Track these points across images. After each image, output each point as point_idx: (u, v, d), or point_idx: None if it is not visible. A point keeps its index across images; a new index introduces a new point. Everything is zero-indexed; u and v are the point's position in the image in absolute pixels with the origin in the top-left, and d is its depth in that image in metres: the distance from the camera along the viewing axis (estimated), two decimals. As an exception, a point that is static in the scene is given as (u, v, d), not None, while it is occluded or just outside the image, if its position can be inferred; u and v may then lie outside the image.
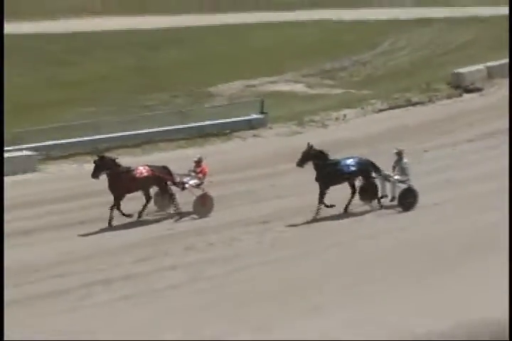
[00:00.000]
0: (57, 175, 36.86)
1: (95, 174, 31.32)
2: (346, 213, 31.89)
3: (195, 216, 31.92)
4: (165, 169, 32.44)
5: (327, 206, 31.62)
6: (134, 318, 24.99)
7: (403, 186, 31.93)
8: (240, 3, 63.15)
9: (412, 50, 55.70)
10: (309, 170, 31.90)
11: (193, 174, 32.37)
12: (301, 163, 31.52)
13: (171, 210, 32.36)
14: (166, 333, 23.59)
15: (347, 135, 41.11)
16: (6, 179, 35.55)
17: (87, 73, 49.24)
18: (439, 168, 36.27)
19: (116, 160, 32.04)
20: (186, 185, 32.21)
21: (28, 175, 36.89)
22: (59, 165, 38.36)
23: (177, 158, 37.88)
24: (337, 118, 43.84)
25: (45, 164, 38.17)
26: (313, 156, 31.65)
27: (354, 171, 31.92)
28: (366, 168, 32.08)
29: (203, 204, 32.07)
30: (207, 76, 48.11)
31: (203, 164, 32.48)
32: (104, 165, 31.54)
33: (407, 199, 31.87)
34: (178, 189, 32.28)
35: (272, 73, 49.62)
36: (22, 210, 32.36)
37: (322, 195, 31.42)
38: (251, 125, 42.26)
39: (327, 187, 31.62)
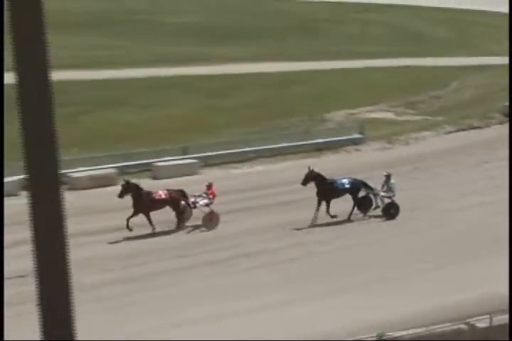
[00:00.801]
0: (208, 177, 36.69)
1: (121, 195, 30.29)
2: (349, 220, 31.39)
3: (203, 228, 30.71)
4: (181, 192, 31.03)
5: (332, 216, 31.04)
6: (268, 279, 25.98)
7: (388, 200, 31.49)
8: (340, 53, 63.28)
9: (474, 88, 55.61)
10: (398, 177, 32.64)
11: (204, 195, 31.09)
12: (304, 182, 31.22)
13: (179, 224, 30.83)
14: (294, 293, 24.60)
15: (425, 150, 41.65)
16: (171, 181, 36.16)
17: (238, 103, 49.87)
18: (495, 175, 36.58)
19: (140, 185, 30.89)
20: (197, 205, 30.84)
21: (192, 177, 37.17)
22: (213, 170, 38.64)
23: (299, 166, 38.31)
24: (417, 138, 44.35)
25: (204, 169, 38.60)
26: (313, 177, 31.34)
27: (347, 188, 31.26)
28: (358, 187, 31.41)
29: (210, 220, 30.76)
30: (322, 106, 48.63)
31: (213, 188, 31.27)
32: (128, 189, 30.41)
33: (390, 211, 31.45)
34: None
35: (368, 104, 50.15)
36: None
37: (326, 206, 30.82)
38: (353, 142, 42.78)
39: (326, 201, 30.95)
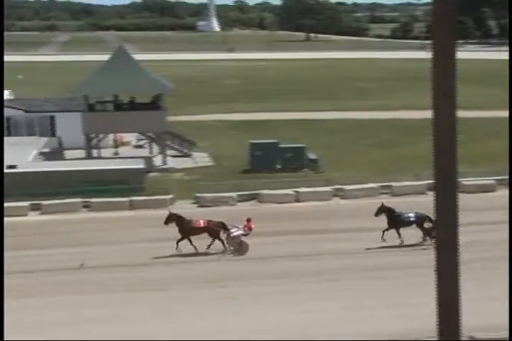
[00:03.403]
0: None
1: (166, 222, 26.54)
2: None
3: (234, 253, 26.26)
4: (219, 223, 26.54)
5: (401, 241, 26.78)
6: None
7: None
8: None
9: None
10: None
11: (240, 227, 26.40)
12: (377, 213, 27.35)
13: (224, 247, 26.32)
14: None
15: None
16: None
17: None
18: None
19: (182, 215, 26.79)
20: (231, 235, 26.21)
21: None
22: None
23: None
24: None
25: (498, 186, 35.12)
26: (384, 210, 27.43)
27: (412, 221, 27.10)
28: (421, 220, 26.85)
29: (241, 246, 26.22)
30: None
31: (251, 222, 26.55)
32: (171, 218, 26.56)
33: None
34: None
35: None
36: None
37: (385, 230, 26.75)
38: None
39: (395, 229, 26.95)
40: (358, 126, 51.43)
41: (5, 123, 44.65)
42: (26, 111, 45.05)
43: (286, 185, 34.48)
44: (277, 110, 57.94)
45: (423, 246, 26.46)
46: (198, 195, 33.52)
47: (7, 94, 50.74)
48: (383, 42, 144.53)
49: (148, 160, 39.78)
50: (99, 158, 41.50)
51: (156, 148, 43.65)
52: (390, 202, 32.13)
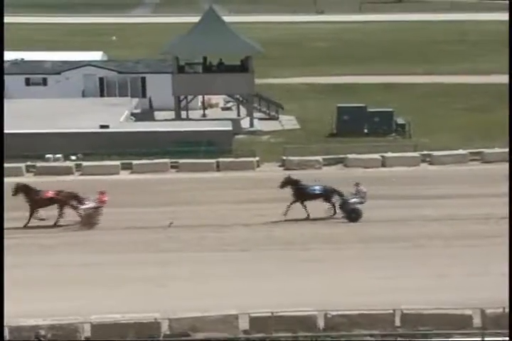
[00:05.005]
0: None
1: (14, 193, 25.36)
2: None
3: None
4: (70, 193, 25.51)
5: (308, 214, 26.01)
6: None
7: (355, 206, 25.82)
8: None
9: None
10: None
11: (92, 199, 25.30)
12: (282, 186, 26.35)
13: (57, 221, 25.36)
14: None
15: None
16: None
17: None
18: None
19: (30, 185, 25.68)
20: (81, 207, 25.23)
21: None
22: None
23: None
24: None
25: None
26: (290, 182, 26.37)
27: (317, 194, 26.08)
28: (328, 193, 26.04)
29: (89, 219, 25.19)
30: None
31: (104, 195, 25.33)
32: (19, 188, 25.51)
33: (352, 215, 25.74)
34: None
35: None
36: None
37: (291, 204, 25.93)
38: None
39: (300, 202, 26.05)
40: (448, 91, 50.20)
41: (99, 83, 45.62)
42: (119, 72, 45.76)
43: (373, 149, 34.04)
44: (366, 73, 56.99)
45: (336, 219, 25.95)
46: (284, 157, 33.55)
47: (100, 55, 51.58)
48: (478, 4, 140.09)
49: (235, 122, 39.89)
50: (188, 119, 41.88)
51: (243, 111, 43.75)
52: (480, 169, 31.42)
